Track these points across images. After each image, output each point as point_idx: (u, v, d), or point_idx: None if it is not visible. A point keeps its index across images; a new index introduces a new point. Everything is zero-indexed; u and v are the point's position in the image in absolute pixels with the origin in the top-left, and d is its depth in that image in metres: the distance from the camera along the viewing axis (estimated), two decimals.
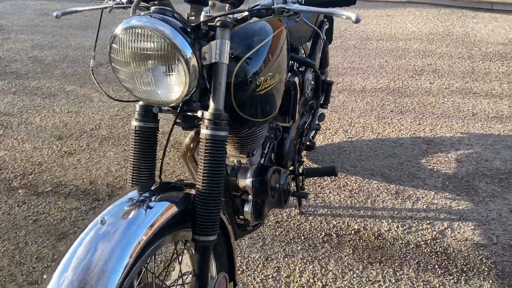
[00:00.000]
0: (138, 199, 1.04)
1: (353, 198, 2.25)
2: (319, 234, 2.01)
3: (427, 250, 1.91)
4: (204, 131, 1.07)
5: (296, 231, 2.02)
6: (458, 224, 2.07)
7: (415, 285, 1.74)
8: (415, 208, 2.18)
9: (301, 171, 1.88)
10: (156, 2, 1.12)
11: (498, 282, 1.75)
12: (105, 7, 1.17)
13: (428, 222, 2.08)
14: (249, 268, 1.81)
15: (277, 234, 2.01)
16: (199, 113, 1.09)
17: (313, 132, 2.22)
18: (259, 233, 2.01)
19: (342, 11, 0.99)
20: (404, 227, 2.05)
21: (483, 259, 1.87)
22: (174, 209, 1.04)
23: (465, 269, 1.82)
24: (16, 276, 1.80)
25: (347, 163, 2.54)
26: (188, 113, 1.14)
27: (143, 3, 1.15)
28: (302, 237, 1.99)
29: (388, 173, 2.45)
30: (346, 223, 2.07)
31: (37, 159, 2.62)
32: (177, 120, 1.12)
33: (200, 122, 1.21)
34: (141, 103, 1.15)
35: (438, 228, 2.04)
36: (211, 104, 1.07)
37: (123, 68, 1.01)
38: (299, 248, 1.93)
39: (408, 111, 3.17)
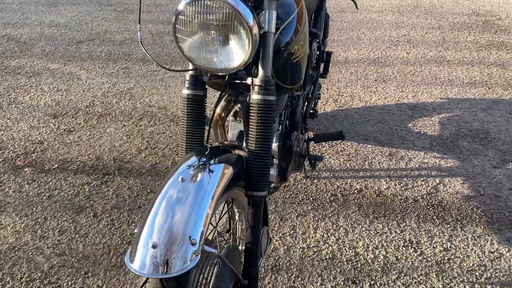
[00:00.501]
0: (199, 164, 1.12)
1: (351, 161, 2.41)
2: (325, 195, 2.16)
3: (424, 204, 2.11)
4: (255, 96, 1.16)
5: (304, 193, 2.16)
6: (448, 179, 2.27)
7: (417, 234, 1.92)
8: (408, 167, 2.37)
9: (310, 137, 2.00)
10: None
11: (489, 227, 1.97)
12: None
13: (422, 179, 2.27)
14: None
15: (287, 197, 2.14)
16: (249, 80, 1.18)
17: (315, 100, 2.34)
18: (270, 197, 2.14)
19: None
20: (401, 185, 2.23)
21: (474, 208, 2.08)
22: (230, 170, 1.13)
23: (459, 218, 2.02)
24: (42, 249, 1.85)
25: (341, 129, 2.69)
26: (236, 81, 1.23)
27: None
28: (311, 198, 2.13)
29: (380, 137, 2.62)
30: (348, 184, 2.23)
31: (37, 137, 2.61)
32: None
33: (240, 89, 1.31)
34: (191, 72, 1.23)
35: (432, 184, 2.24)
36: (260, 71, 1.16)
37: (188, 38, 1.08)
38: (310, 208, 2.07)
39: (390, 79, 3.34)
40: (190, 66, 1.23)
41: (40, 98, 3.05)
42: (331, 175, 2.30)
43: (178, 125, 1.24)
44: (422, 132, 2.68)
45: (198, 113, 1.24)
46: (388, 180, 2.27)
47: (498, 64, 3.63)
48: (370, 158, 2.43)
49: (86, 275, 1.74)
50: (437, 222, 2.00)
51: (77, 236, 1.93)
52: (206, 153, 1.18)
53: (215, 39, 1.07)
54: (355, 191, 2.19)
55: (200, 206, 1.00)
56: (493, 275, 1.74)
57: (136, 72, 3.45)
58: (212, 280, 1.11)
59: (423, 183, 2.24)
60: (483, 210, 2.07)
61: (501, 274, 1.74)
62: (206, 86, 1.26)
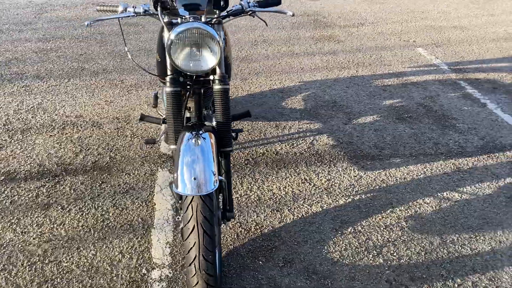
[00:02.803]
0: (194, 135, 1.68)
1: (251, 135, 3.12)
2: (241, 160, 2.83)
3: (307, 154, 2.93)
4: (217, 86, 1.77)
5: None
6: (318, 136, 3.15)
7: (308, 174, 2.73)
8: (290, 132, 3.18)
9: None
10: (169, 10, 1.74)
11: (350, 161, 2.88)
12: (133, 15, 1.74)
13: (301, 139, 3.10)
14: None
15: None
16: (211, 77, 1.78)
17: None
18: None
19: (284, 9, 1.82)
20: (290, 145, 3.03)
21: (338, 152, 2.98)
22: (213, 136, 1.73)
23: (331, 159, 2.90)
24: (29, 241, 2.15)
25: (248, 109, 3.38)
26: (200, 78, 1.82)
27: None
28: (232, 164, 2.78)
29: (265, 115, 3.39)
30: (254, 150, 2.94)
31: None
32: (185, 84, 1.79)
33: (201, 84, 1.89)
34: (170, 76, 1.77)
35: (308, 141, 3.08)
36: (218, 70, 1.77)
37: (180, 54, 1.63)
38: (233, 171, 2.72)
39: (259, 72, 4.15)
40: (169, 72, 1.78)
41: None
42: (240, 146, 2.98)
43: (165, 114, 1.70)
44: (293, 108, 3.53)
45: (179, 103, 1.80)
46: (280, 143, 3.04)
47: (331, 52, 4.74)
48: (263, 130, 3.18)
49: (79, 249, 2.12)
50: (318, 164, 2.84)
51: (55, 225, 2.26)
52: (193, 128, 1.74)
53: (198, 52, 1.65)
54: (260, 154, 2.91)
55: (209, 156, 1.59)
56: (359, 189, 2.63)
57: (38, 88, 3.63)
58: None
59: (303, 141, 3.08)
60: (345, 152, 2.98)
61: (363, 187, 2.65)
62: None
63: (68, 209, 2.37)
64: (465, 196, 2.61)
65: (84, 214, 2.34)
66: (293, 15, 1.81)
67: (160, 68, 2.01)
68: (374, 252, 2.19)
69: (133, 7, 1.81)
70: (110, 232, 2.24)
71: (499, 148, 3.10)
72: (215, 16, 1.78)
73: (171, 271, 2.02)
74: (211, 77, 1.79)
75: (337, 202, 2.51)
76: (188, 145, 1.61)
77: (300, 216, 2.40)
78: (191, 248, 1.49)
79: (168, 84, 1.78)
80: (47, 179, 2.58)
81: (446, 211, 2.48)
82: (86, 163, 2.75)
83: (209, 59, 1.69)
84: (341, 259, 2.14)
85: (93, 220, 2.30)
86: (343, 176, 2.73)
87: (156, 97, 2.73)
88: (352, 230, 2.32)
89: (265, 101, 3.61)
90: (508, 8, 6.79)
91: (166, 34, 1.79)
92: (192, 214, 1.49)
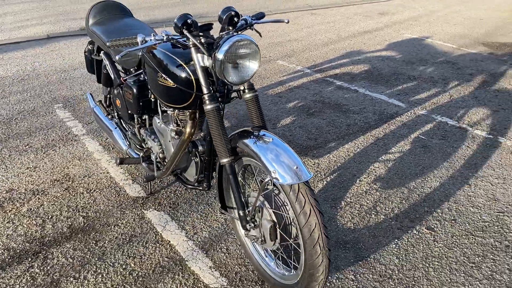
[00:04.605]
0: (257, 139, 1.76)
1: None
2: None
3: None
4: (248, 95, 1.89)
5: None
6: None
7: None
8: None
9: None
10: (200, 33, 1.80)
11: (300, 154, 3.21)
12: (158, 43, 1.73)
13: None
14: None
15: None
16: (241, 87, 1.89)
17: None
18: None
19: (279, 18, 2.06)
20: None
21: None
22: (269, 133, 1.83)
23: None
24: None
25: None
26: (231, 91, 1.90)
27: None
28: None
29: None
30: None
31: None
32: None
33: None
34: (208, 94, 1.81)
35: None
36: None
37: (229, 66, 1.70)
38: None
39: None
40: (205, 90, 1.82)
41: None
42: None
43: (211, 135, 1.62)
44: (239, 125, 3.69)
45: (220, 117, 1.84)
46: None
47: None
48: None
49: None
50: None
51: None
52: (244, 136, 1.82)
53: (245, 62, 1.75)
54: None
55: (286, 148, 1.71)
56: (324, 172, 2.99)
57: None
58: None
59: None
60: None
61: (326, 170, 3.01)
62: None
63: (82, 277, 2.07)
64: (397, 154, 3.22)
65: (104, 275, 2.09)
66: (288, 22, 2.06)
67: (175, 93, 1.98)
68: (373, 212, 2.57)
69: (153, 35, 1.78)
70: (147, 280, 2.06)
71: (389, 116, 3.88)
72: (231, 32, 1.89)
73: None
74: (241, 87, 1.91)
75: (318, 187, 2.82)
76: (260, 146, 1.70)
77: None
78: (314, 229, 1.60)
79: (208, 102, 1.82)
80: (30, 259, 2.18)
81: (393, 168, 3.04)
82: (61, 230, 2.40)
83: (252, 66, 1.80)
84: (356, 226, 2.45)
85: (119, 276, 2.08)
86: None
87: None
88: (345, 203, 2.66)
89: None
90: (315, 21, 8.19)
91: (194, 55, 1.82)
92: (305, 199, 1.61)
